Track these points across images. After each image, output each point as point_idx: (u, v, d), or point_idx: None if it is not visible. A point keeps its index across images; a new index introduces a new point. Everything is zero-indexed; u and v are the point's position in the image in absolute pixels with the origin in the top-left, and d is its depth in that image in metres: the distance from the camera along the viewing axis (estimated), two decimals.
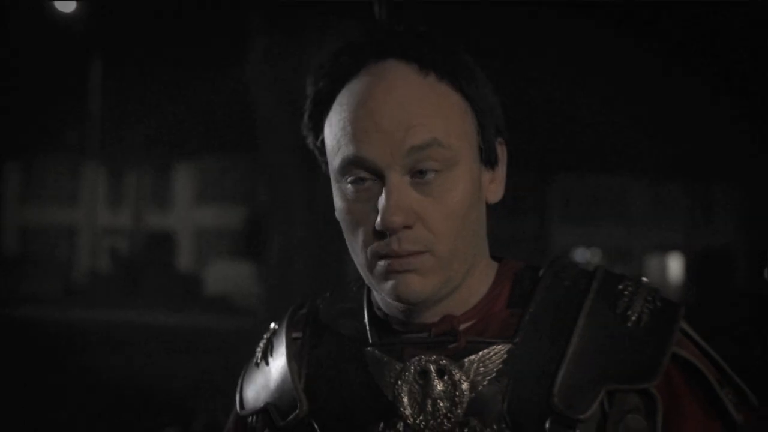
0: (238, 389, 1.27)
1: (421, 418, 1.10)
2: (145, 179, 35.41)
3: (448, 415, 1.09)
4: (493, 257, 1.23)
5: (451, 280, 1.12)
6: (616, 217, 36.27)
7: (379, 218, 1.07)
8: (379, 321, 1.19)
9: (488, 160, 1.15)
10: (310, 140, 1.17)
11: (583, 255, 35.69)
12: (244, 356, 1.32)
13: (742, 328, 17.76)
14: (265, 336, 1.29)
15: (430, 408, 1.10)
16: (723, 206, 35.86)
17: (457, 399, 1.09)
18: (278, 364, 1.22)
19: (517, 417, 1.07)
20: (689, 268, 34.81)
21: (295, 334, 1.24)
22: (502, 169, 1.19)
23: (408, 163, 1.08)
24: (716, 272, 32.47)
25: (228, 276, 28.70)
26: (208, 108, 27.22)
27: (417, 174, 1.09)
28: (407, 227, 1.08)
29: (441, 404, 1.09)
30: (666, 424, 1.08)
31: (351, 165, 1.09)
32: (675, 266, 35.60)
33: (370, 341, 1.17)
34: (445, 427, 1.09)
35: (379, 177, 1.09)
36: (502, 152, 1.18)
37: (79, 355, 13.33)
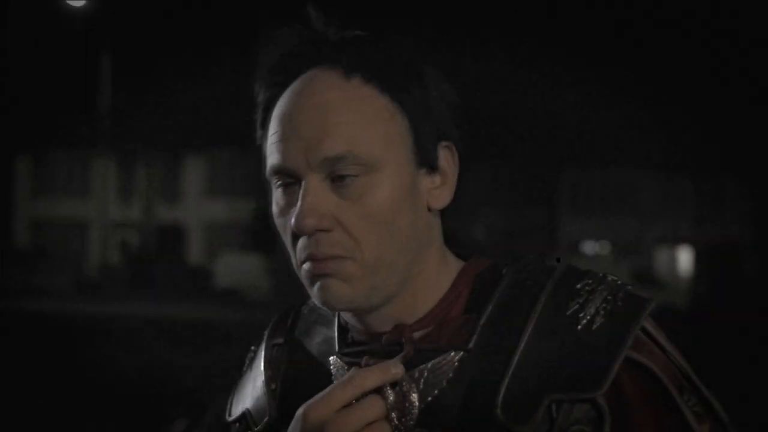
0: (230, 396, 1.28)
1: None
2: (155, 173, 35.48)
3: (400, 426, 1.06)
4: (462, 256, 1.17)
5: (380, 289, 1.08)
6: (625, 210, 36.22)
7: (292, 220, 1.06)
8: (347, 330, 1.18)
9: (425, 164, 1.10)
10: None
11: (592, 247, 35.65)
12: None
13: (752, 319, 17.73)
14: (254, 344, 1.30)
15: None
16: (732, 198, 35.77)
17: (406, 410, 1.07)
18: (257, 371, 1.23)
19: (464, 428, 1.05)
20: (698, 261, 34.74)
21: (276, 341, 1.24)
22: (450, 174, 1.12)
23: (325, 168, 1.06)
24: (725, 264, 32.40)
25: (237, 269, 28.76)
26: (217, 101, 27.26)
27: (337, 178, 1.06)
28: (324, 230, 1.06)
29: (393, 415, 1.06)
30: None
31: (275, 172, 1.10)
32: (684, 258, 35.53)
33: (337, 349, 1.16)
34: None
35: (300, 181, 1.08)
36: (447, 156, 1.12)
37: (90, 348, 13.39)
